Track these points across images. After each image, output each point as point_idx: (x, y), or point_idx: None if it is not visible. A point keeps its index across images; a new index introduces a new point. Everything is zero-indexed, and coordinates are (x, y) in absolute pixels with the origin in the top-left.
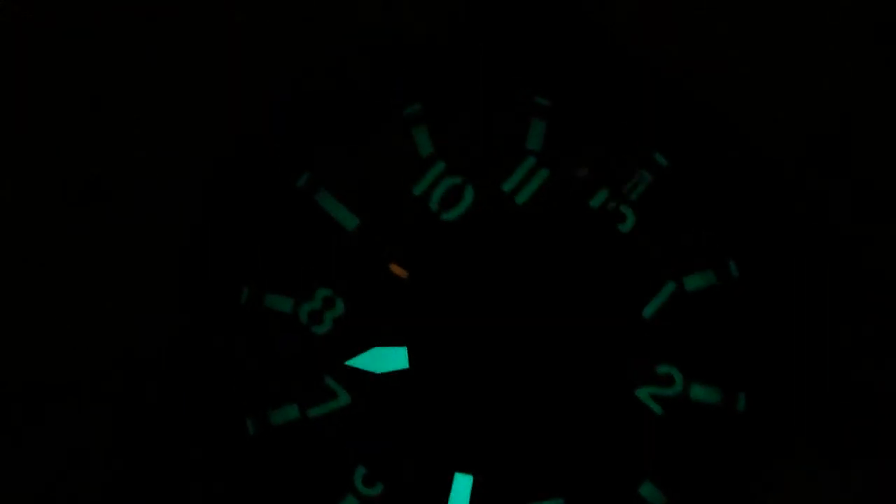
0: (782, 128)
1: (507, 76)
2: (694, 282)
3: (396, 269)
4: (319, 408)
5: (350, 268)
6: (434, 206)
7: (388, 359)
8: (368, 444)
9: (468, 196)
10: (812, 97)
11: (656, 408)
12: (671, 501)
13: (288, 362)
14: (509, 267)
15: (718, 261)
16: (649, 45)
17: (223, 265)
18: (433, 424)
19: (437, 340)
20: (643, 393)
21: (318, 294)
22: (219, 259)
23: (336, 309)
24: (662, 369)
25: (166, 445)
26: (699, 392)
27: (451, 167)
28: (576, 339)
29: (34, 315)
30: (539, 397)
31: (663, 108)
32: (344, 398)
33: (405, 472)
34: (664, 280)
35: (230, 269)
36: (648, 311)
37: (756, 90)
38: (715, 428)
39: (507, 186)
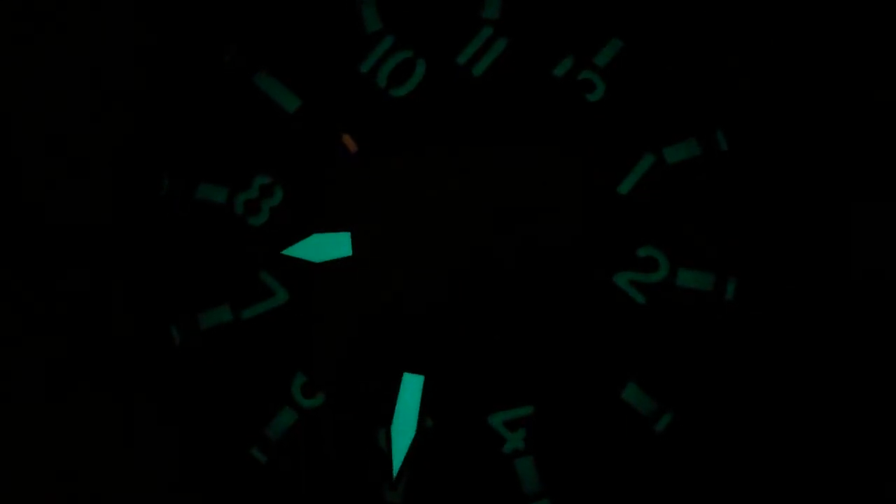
0: None
1: None
2: (675, 154)
3: (348, 141)
4: (254, 308)
5: (290, 153)
6: (382, 83)
7: (329, 246)
8: (308, 348)
9: (419, 70)
10: None
11: (638, 296)
12: (661, 406)
13: (220, 258)
14: (466, 144)
15: (703, 130)
16: None
17: (144, 154)
18: (382, 322)
19: (385, 225)
20: (622, 279)
21: (256, 182)
22: (140, 147)
23: (274, 198)
24: (644, 252)
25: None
26: (688, 278)
27: (401, 41)
28: (542, 221)
29: None
30: (501, 288)
31: None
32: (281, 296)
33: (349, 378)
34: (641, 152)
35: (151, 157)
36: (625, 186)
37: None
38: (705, 319)
39: (462, 59)
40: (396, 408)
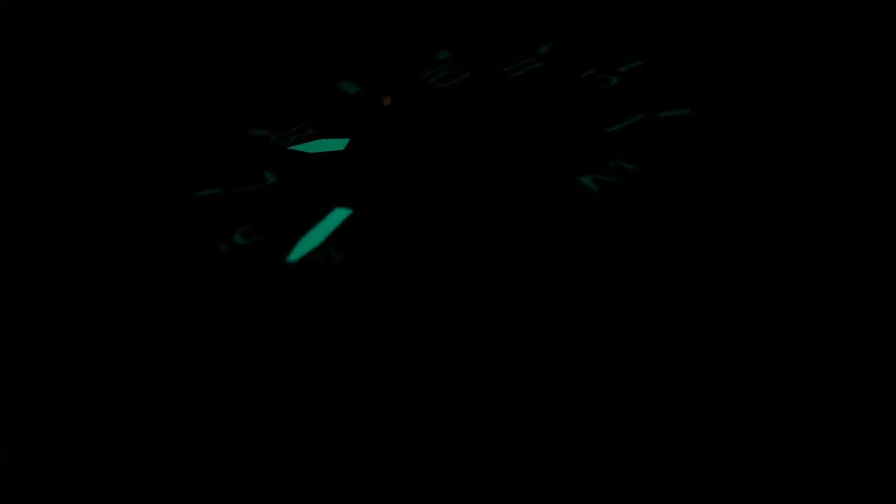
0: None
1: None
2: (667, 113)
3: (386, 99)
4: (243, 187)
5: (335, 114)
6: (433, 80)
7: (324, 146)
8: (269, 207)
9: (466, 75)
10: None
11: (593, 186)
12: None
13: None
14: (489, 112)
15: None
16: None
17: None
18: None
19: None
20: (586, 179)
21: (295, 127)
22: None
23: (306, 133)
24: (613, 164)
25: None
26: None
27: (459, 64)
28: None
29: None
30: (469, 169)
31: None
32: (270, 179)
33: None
34: (637, 112)
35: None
36: (613, 128)
37: None
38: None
39: (506, 69)
40: (311, 230)
